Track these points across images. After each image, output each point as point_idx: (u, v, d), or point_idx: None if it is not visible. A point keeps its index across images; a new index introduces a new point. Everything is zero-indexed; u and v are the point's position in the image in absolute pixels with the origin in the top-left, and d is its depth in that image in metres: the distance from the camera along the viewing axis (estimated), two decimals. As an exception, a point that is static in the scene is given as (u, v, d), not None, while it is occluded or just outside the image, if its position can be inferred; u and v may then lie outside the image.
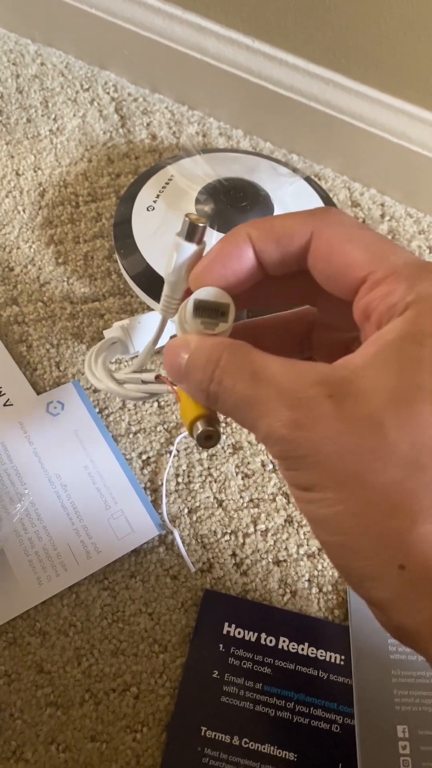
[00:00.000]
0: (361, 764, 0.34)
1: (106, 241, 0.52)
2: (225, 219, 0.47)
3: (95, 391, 0.45)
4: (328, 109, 0.56)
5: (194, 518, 0.41)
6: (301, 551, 0.41)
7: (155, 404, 0.45)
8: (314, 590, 0.40)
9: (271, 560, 0.41)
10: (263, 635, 0.38)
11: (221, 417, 0.40)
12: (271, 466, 0.44)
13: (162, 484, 0.42)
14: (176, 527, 0.41)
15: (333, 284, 0.21)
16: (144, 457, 0.43)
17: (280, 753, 0.35)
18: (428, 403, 0.17)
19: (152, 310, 0.48)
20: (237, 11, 0.55)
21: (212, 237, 0.45)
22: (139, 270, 0.47)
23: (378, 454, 0.17)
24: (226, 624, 0.38)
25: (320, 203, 0.52)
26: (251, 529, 0.41)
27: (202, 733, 0.35)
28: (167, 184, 0.51)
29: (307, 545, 0.41)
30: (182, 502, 0.42)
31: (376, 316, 0.19)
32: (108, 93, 0.62)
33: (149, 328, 0.44)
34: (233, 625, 0.38)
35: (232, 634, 0.38)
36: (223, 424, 0.45)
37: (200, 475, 0.43)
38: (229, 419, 0.45)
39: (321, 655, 0.37)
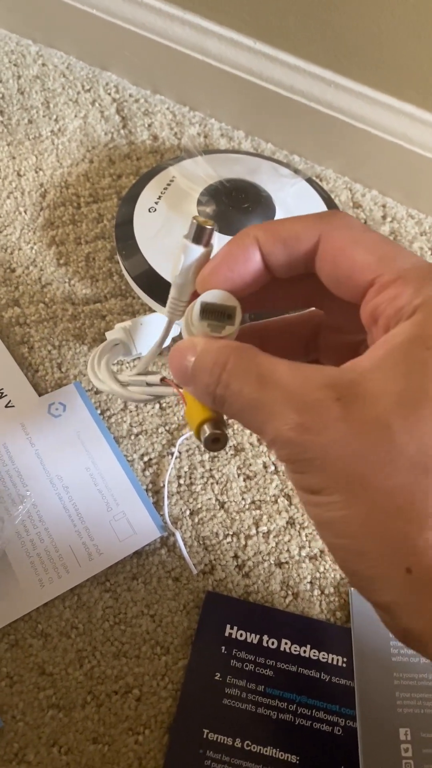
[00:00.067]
0: (363, 767, 0.34)
1: (107, 242, 0.52)
2: (227, 220, 0.47)
3: (97, 392, 0.45)
4: (330, 110, 0.56)
5: (196, 520, 0.41)
6: (303, 553, 0.41)
7: (157, 406, 0.45)
8: (316, 592, 0.40)
9: (273, 562, 0.41)
10: (265, 637, 0.38)
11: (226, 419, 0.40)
12: (272, 468, 0.44)
13: (164, 485, 0.42)
14: (178, 529, 0.41)
15: (340, 287, 0.21)
16: (146, 458, 0.43)
17: (282, 755, 0.35)
18: None
19: (154, 311, 0.48)
20: (238, 12, 0.55)
21: (214, 238, 0.45)
22: (140, 271, 0.47)
23: (385, 457, 0.17)
24: (228, 626, 0.38)
25: (322, 204, 0.52)
26: (253, 531, 0.41)
27: (204, 736, 0.35)
28: (169, 185, 0.51)
29: (309, 547, 0.41)
30: (184, 503, 0.42)
31: (383, 320, 0.19)
32: (109, 94, 0.62)
33: (151, 329, 0.44)
34: (235, 627, 0.38)
35: (234, 636, 0.38)
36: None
37: (202, 477, 0.43)
38: (232, 421, 0.45)
39: (323, 658, 0.37)
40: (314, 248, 0.21)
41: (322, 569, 0.40)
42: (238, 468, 0.43)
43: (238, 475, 0.43)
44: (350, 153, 0.58)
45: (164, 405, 0.45)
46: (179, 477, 0.43)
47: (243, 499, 0.42)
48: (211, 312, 0.22)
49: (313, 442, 0.18)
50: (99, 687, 0.36)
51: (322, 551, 0.41)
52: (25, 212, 0.54)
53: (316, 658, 0.37)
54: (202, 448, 0.44)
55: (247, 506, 0.42)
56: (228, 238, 0.23)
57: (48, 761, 0.34)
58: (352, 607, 0.39)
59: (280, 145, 0.61)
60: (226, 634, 0.38)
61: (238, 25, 0.56)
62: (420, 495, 0.17)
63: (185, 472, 0.43)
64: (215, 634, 0.38)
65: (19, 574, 0.38)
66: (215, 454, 0.44)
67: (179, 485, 0.43)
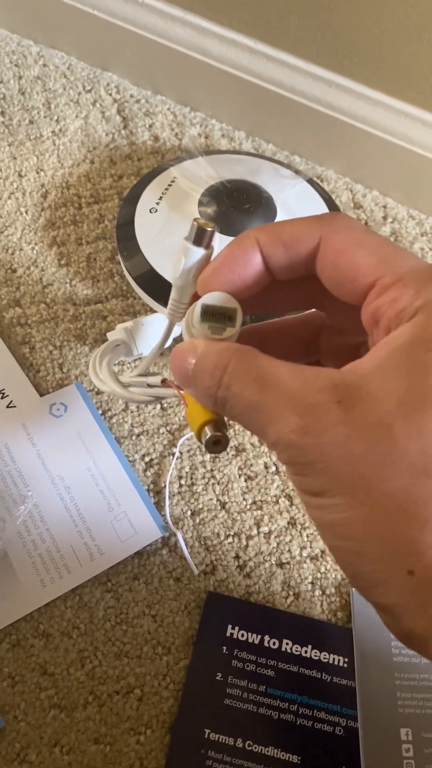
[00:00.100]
0: (364, 767, 0.34)
1: (108, 242, 0.52)
2: (228, 221, 0.47)
3: (98, 392, 0.45)
4: (331, 110, 0.56)
5: (197, 520, 0.42)
6: (305, 553, 0.41)
7: (158, 406, 0.45)
8: (317, 592, 0.40)
9: (274, 562, 0.41)
10: (266, 637, 0.38)
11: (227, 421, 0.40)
12: (274, 469, 0.44)
13: (165, 486, 0.42)
14: (179, 529, 0.41)
15: (341, 289, 0.21)
16: (147, 459, 0.43)
17: (283, 755, 0.35)
18: None
19: (155, 312, 0.48)
20: (239, 13, 0.55)
21: (215, 240, 0.45)
22: (141, 272, 0.47)
23: (387, 460, 0.17)
24: (230, 626, 0.38)
25: (323, 205, 0.52)
26: (254, 532, 0.41)
27: (206, 736, 0.35)
28: (170, 186, 0.51)
29: (310, 547, 0.41)
30: (185, 504, 0.42)
31: (384, 321, 0.19)
32: (110, 94, 0.62)
33: (152, 330, 0.44)
34: (236, 628, 0.38)
35: (235, 636, 0.38)
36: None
37: (203, 477, 0.43)
38: (233, 421, 0.45)
39: (324, 658, 0.37)
40: (315, 250, 0.21)
41: (323, 570, 0.40)
42: (240, 468, 0.43)
43: (240, 476, 0.43)
44: (351, 153, 0.58)
45: (165, 405, 0.45)
46: (180, 477, 0.43)
47: (244, 499, 0.42)
48: (211, 314, 0.22)
49: (314, 445, 0.18)
50: (100, 687, 0.36)
51: (323, 552, 0.41)
52: (26, 213, 0.54)
53: (317, 658, 0.37)
54: (203, 449, 0.44)
55: (248, 507, 0.42)
56: (229, 238, 0.23)
57: (50, 761, 0.34)
58: (353, 607, 0.39)
59: (281, 146, 0.61)
60: (228, 635, 0.38)
61: (238, 26, 0.56)
62: (422, 497, 0.17)
63: (186, 473, 0.43)
64: (216, 634, 0.38)
65: (20, 574, 0.38)
66: (216, 455, 0.44)
67: (180, 485, 0.43)
